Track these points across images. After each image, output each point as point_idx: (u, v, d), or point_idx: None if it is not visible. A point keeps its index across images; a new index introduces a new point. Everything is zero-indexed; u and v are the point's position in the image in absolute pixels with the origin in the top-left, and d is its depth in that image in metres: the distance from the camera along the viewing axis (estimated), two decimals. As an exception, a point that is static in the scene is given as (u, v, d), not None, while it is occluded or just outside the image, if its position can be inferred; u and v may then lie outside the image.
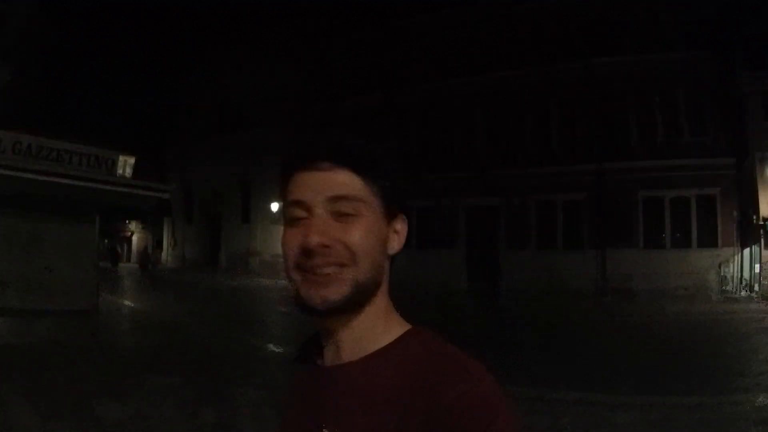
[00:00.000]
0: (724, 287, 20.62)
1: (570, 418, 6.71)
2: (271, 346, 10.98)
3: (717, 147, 21.12)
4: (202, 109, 41.24)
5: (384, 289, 1.01)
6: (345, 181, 0.96)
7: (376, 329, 0.99)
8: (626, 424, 6.51)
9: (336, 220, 0.95)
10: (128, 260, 49.93)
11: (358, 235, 0.95)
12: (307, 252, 0.94)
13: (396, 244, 1.01)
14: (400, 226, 1.01)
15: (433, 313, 17.87)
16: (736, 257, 20.81)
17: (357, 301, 0.96)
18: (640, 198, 22.56)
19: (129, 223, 51.56)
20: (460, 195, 26.15)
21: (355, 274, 0.95)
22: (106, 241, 56.76)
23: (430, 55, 28.80)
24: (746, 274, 20.41)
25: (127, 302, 19.72)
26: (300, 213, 0.97)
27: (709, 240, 21.37)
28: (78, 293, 12.83)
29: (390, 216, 1.00)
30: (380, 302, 1.00)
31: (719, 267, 20.89)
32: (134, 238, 52.93)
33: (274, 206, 31.31)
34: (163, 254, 45.56)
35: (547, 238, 24.60)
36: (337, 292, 0.94)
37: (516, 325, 15.20)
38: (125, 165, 13.98)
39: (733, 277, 20.66)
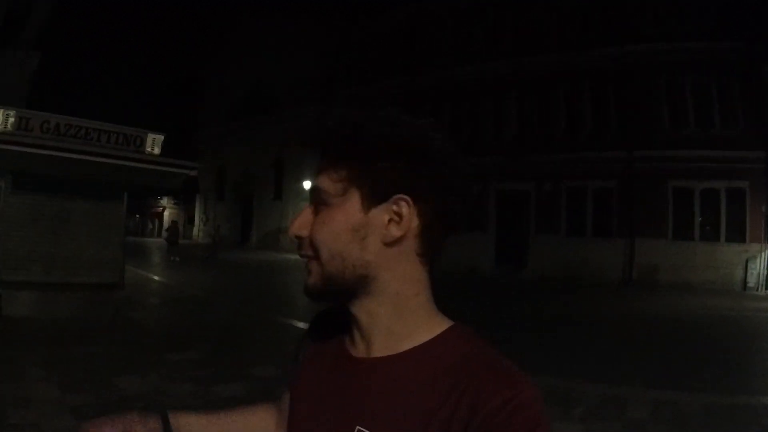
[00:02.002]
0: (749, 284, 20.27)
1: (582, 409, 6.70)
2: (295, 322, 11.04)
3: (747, 140, 20.67)
4: (235, 90, 41.63)
5: (397, 280, 0.96)
6: (321, 171, 0.97)
7: (409, 325, 0.96)
8: (638, 418, 6.48)
9: (315, 211, 0.97)
10: (159, 235, 50.76)
11: (318, 226, 0.95)
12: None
13: (395, 230, 0.93)
14: (401, 208, 0.93)
15: (456, 297, 17.93)
16: (763, 254, 20.36)
17: (332, 291, 0.95)
18: (670, 187, 22.24)
19: (161, 199, 52.30)
20: (491, 179, 26.05)
21: (320, 268, 0.94)
22: (137, 216, 57.79)
23: (461, 38, 28.66)
24: (772, 272, 19.98)
25: (155, 276, 20.03)
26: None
27: (737, 234, 21.01)
28: (103, 268, 13.10)
29: (377, 200, 0.93)
30: (393, 294, 0.96)
31: (746, 263, 20.49)
32: (165, 213, 53.73)
33: (306, 184, 31.64)
34: (194, 230, 46.18)
35: (577, 225, 24.45)
36: (310, 282, 0.96)
37: (536, 313, 15.14)
38: (153, 143, 14.12)
39: (759, 273, 20.26)
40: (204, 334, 10.15)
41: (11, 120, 11.61)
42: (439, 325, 0.97)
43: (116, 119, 13.79)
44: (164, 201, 53.03)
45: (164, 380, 6.83)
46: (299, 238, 0.97)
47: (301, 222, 0.97)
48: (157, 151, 14.22)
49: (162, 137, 14.42)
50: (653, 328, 12.98)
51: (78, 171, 12.29)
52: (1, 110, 11.69)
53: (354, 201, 0.94)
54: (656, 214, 22.25)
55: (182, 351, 8.45)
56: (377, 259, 0.94)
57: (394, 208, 0.93)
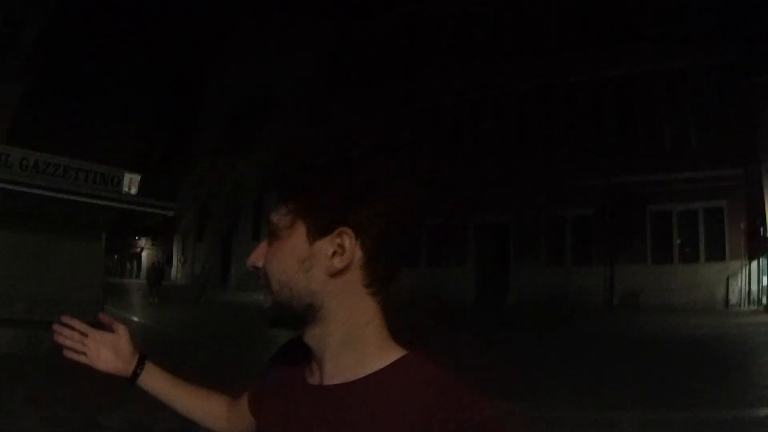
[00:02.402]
0: (731, 301, 20.45)
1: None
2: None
3: (723, 158, 20.97)
4: (212, 129, 41.66)
5: (344, 309, 0.98)
6: (276, 205, 1.02)
7: (361, 353, 0.98)
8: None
9: (269, 243, 1.02)
10: (137, 276, 50.23)
11: (269, 258, 1.00)
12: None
13: (338, 261, 0.95)
14: (344, 241, 0.95)
15: (438, 328, 17.86)
16: (744, 270, 20.58)
17: (283, 317, 1.00)
18: (648, 212, 22.48)
19: (139, 239, 51.90)
20: (469, 212, 26.15)
21: (271, 295, 0.99)
22: (115, 256, 57.16)
23: (431, 72, 28.83)
24: (754, 287, 20.18)
25: (134, 318, 19.78)
26: None
27: (717, 253, 21.22)
28: (85, 307, 12.93)
29: (321, 233, 0.96)
30: (341, 323, 0.98)
31: (727, 280, 20.69)
32: (144, 254, 53.24)
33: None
34: (173, 271, 45.78)
35: (557, 254, 24.56)
36: (266, 309, 1.01)
37: (520, 341, 15.12)
38: (131, 182, 14.10)
39: (740, 290, 20.47)
40: (187, 371, 9.99)
41: (-9, 155, 11.60)
42: (391, 353, 0.98)
43: (97, 154, 13.76)
44: (142, 241, 52.61)
45: (147, 416, 6.73)
46: (256, 268, 1.03)
47: (257, 254, 1.03)
48: (134, 190, 14.19)
49: (139, 177, 14.40)
50: (636, 350, 13.00)
51: (56, 209, 12.23)
52: (-19, 145, 11.67)
53: (300, 233, 0.97)
54: (635, 239, 22.43)
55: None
56: (323, 289, 0.97)
57: (337, 240, 0.95)
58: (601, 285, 22.69)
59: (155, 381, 1.40)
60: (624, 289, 22.12)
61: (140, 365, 1.39)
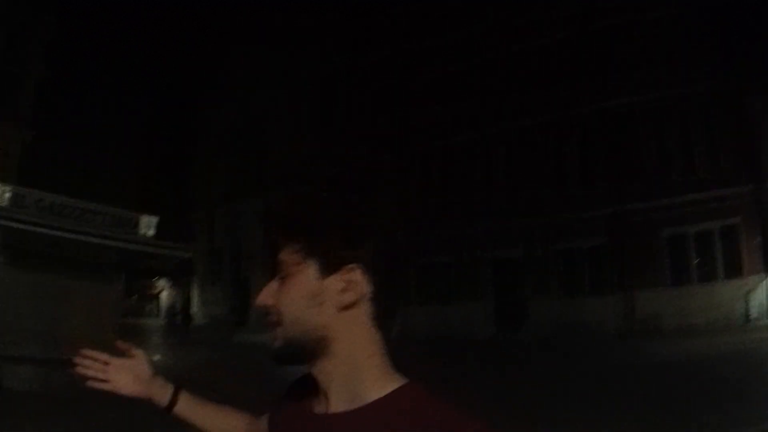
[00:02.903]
0: (751, 316, 20.08)
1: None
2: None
3: (734, 175, 20.91)
4: (226, 171, 42.03)
5: (351, 341, 1.04)
6: (282, 245, 1.07)
7: (361, 383, 1.03)
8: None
9: (279, 281, 1.07)
10: (157, 316, 50.35)
11: (283, 295, 1.05)
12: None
13: (348, 296, 1.03)
14: (353, 276, 1.03)
15: (455, 366, 17.74)
16: (763, 283, 20.26)
17: (295, 353, 1.05)
18: (664, 236, 22.28)
19: (158, 279, 52.05)
20: (481, 248, 26.12)
21: (283, 333, 1.04)
22: (134, 297, 57.31)
23: (446, 100, 28.97)
24: (773, 301, 19.85)
25: (155, 357, 19.77)
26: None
27: (735, 270, 20.89)
28: (104, 347, 12.94)
29: (332, 270, 1.03)
30: (347, 355, 1.04)
31: (746, 296, 20.33)
32: (163, 295, 53.40)
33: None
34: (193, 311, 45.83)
35: (573, 285, 24.22)
36: (276, 346, 1.05)
37: (537, 374, 14.98)
38: (148, 224, 14.18)
39: (761, 304, 20.09)
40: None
41: (7, 195, 11.74)
42: (391, 383, 1.04)
43: (110, 196, 13.87)
44: (161, 282, 52.71)
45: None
46: (266, 307, 1.07)
47: (266, 293, 1.08)
48: (151, 233, 14.27)
49: (156, 219, 14.50)
50: (657, 375, 12.81)
51: (72, 250, 12.34)
52: (-3, 185, 11.84)
53: (311, 271, 1.04)
54: (651, 264, 22.18)
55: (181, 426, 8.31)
56: (333, 323, 1.03)
57: (347, 276, 1.03)
58: (620, 312, 22.42)
59: (189, 408, 1.47)
60: (643, 314, 21.83)
61: (176, 395, 1.47)
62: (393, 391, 1.02)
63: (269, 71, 36.60)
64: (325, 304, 1.02)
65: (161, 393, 1.46)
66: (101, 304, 13.43)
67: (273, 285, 1.07)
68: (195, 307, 45.87)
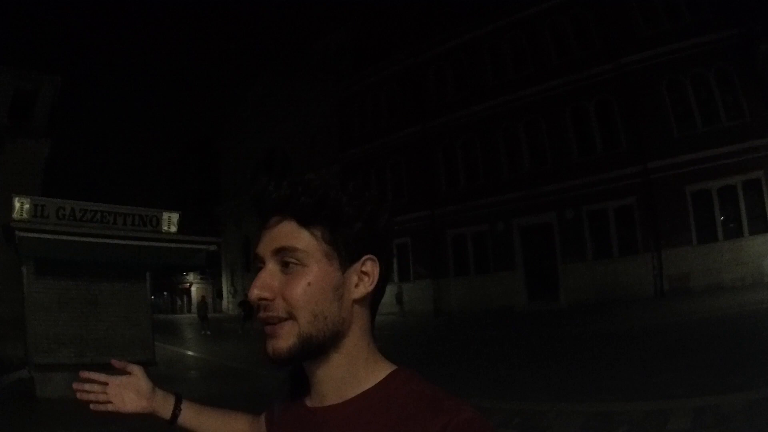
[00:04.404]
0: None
1: (625, 428, 6.60)
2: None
3: (755, 128, 20.44)
4: (252, 157, 42.43)
5: (357, 333, 1.02)
6: (289, 232, 0.99)
7: (357, 373, 1.02)
8: (680, 429, 6.36)
9: (283, 272, 0.99)
10: (189, 311, 51.05)
11: (298, 288, 0.97)
12: (253, 305, 1.00)
13: (363, 287, 1.01)
14: (369, 267, 1.01)
15: (492, 333, 17.83)
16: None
17: (309, 351, 0.98)
18: (688, 192, 22.02)
19: (187, 274, 52.59)
20: (512, 216, 26.24)
21: (296, 328, 0.97)
22: (165, 293, 58.12)
23: (464, 78, 29.13)
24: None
25: (189, 352, 20.05)
26: (259, 265, 1.01)
27: (761, 225, 20.48)
28: (135, 347, 13.14)
29: (350, 261, 1.00)
30: (353, 347, 1.02)
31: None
32: (193, 289, 53.97)
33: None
34: (224, 303, 46.39)
35: (603, 247, 24.15)
36: (282, 345, 0.97)
37: (574, 340, 14.98)
38: (169, 221, 14.22)
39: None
40: (248, 404, 10.07)
41: (27, 207, 11.87)
42: (382, 370, 1.03)
43: (132, 198, 13.94)
44: (190, 276, 53.24)
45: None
46: (264, 299, 0.99)
47: (265, 285, 0.99)
48: (173, 229, 14.28)
49: (177, 215, 14.52)
50: (689, 334, 12.75)
51: (98, 254, 12.45)
52: (17, 198, 11.96)
53: (333, 262, 0.99)
54: (678, 222, 21.97)
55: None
56: (348, 316, 1.01)
57: (363, 268, 1.01)
58: (650, 272, 22.28)
59: (193, 417, 1.45)
60: (673, 274, 21.66)
61: (177, 405, 1.44)
62: (384, 378, 1.02)
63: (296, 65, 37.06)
64: (344, 297, 1.00)
65: (164, 405, 1.43)
66: (130, 303, 13.59)
67: (269, 275, 0.99)
68: (226, 298, 46.47)
